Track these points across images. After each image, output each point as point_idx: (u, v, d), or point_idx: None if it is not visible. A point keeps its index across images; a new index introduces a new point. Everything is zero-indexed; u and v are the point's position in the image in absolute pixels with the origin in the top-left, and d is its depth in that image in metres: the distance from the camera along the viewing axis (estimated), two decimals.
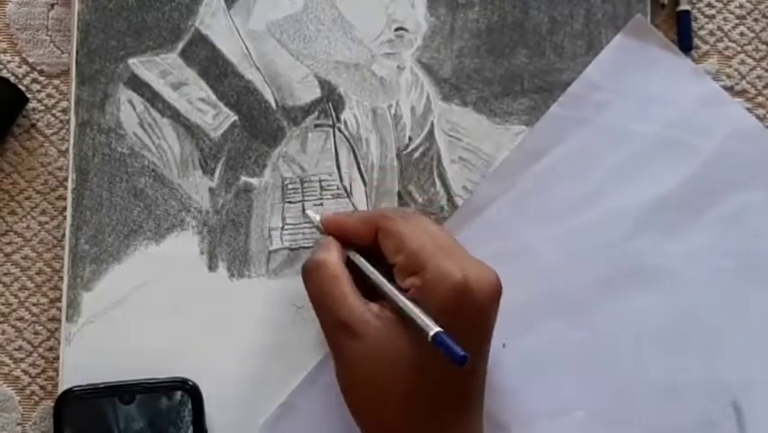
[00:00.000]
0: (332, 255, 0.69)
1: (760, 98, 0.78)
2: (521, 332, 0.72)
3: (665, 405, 0.73)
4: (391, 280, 0.67)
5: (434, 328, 0.62)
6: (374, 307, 0.66)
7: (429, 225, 0.69)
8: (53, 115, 0.78)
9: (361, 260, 0.69)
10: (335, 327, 0.67)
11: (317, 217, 0.73)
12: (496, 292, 0.66)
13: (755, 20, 0.78)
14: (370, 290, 0.68)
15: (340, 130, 0.77)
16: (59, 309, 0.75)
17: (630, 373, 0.74)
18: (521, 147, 0.76)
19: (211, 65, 0.77)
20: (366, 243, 0.69)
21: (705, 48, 0.78)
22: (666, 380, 0.74)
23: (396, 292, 0.66)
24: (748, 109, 0.77)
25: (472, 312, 0.65)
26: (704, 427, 0.73)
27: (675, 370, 0.74)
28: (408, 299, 0.65)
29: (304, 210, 0.76)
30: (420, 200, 0.76)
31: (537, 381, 0.73)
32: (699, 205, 0.75)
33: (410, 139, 0.77)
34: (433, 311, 0.64)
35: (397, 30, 0.78)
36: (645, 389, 0.73)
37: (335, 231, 0.71)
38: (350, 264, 0.69)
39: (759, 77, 0.78)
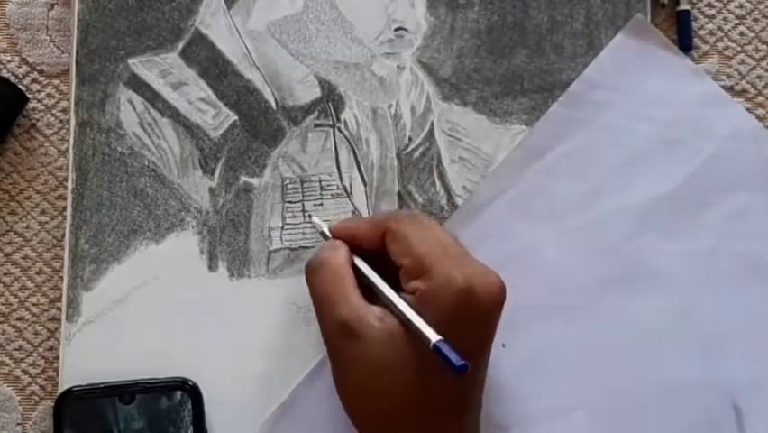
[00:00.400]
0: (338, 255, 0.69)
1: (760, 98, 0.78)
2: (521, 332, 0.72)
3: (665, 406, 0.73)
4: (397, 283, 0.67)
5: (434, 337, 0.62)
6: (377, 310, 0.66)
7: (437, 229, 0.69)
8: (53, 114, 0.78)
9: (364, 265, 0.69)
10: (335, 328, 0.67)
11: (324, 226, 0.73)
12: (499, 299, 0.66)
13: (755, 20, 0.78)
14: (375, 296, 0.67)
15: (340, 130, 0.77)
16: (59, 309, 0.75)
17: (630, 374, 0.74)
18: (521, 147, 0.76)
19: (211, 65, 0.77)
20: (374, 246, 0.69)
21: (705, 48, 0.78)
22: (666, 381, 0.73)
23: (398, 299, 0.66)
24: (748, 109, 0.77)
25: (475, 318, 0.65)
26: (704, 428, 0.73)
27: (675, 371, 0.74)
28: (411, 303, 0.65)
29: (309, 215, 0.75)
30: (420, 200, 0.76)
31: (537, 381, 0.73)
32: (699, 205, 0.75)
33: (410, 139, 0.77)
34: (435, 316, 0.64)
35: (396, 30, 0.78)
36: (645, 390, 0.73)
37: (344, 236, 0.70)
38: (355, 269, 0.69)
39: (759, 76, 0.78)
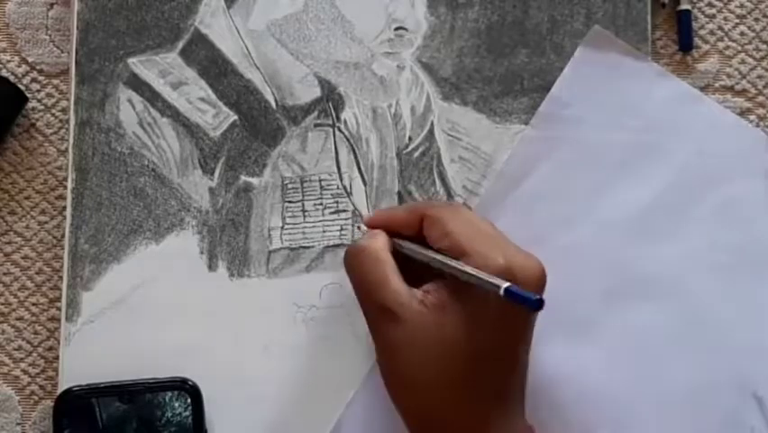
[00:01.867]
0: (377, 242, 0.69)
1: (760, 98, 0.78)
2: (532, 361, 0.71)
3: (687, 409, 0.73)
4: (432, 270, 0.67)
5: (503, 283, 0.62)
6: (418, 292, 0.66)
7: (473, 216, 0.70)
8: (53, 114, 0.78)
9: (410, 243, 0.69)
10: (377, 312, 0.67)
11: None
12: (540, 280, 0.66)
13: (756, 19, 0.78)
14: (414, 280, 0.67)
15: (340, 129, 0.77)
16: (59, 309, 0.75)
17: (646, 385, 0.73)
18: (500, 176, 0.76)
19: (211, 64, 0.77)
20: (411, 232, 0.69)
21: (705, 47, 0.78)
22: (684, 384, 0.73)
23: (455, 262, 0.65)
24: (749, 109, 0.77)
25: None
26: (729, 424, 0.73)
27: (691, 372, 0.73)
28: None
29: (358, 226, 0.75)
30: (420, 200, 0.76)
31: (554, 410, 0.73)
32: (686, 205, 0.75)
33: (410, 138, 0.77)
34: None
35: (397, 29, 0.78)
36: (665, 397, 0.73)
37: (381, 224, 0.71)
38: (395, 255, 0.69)
39: (759, 76, 0.78)
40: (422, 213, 0.69)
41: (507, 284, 0.62)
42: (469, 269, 0.64)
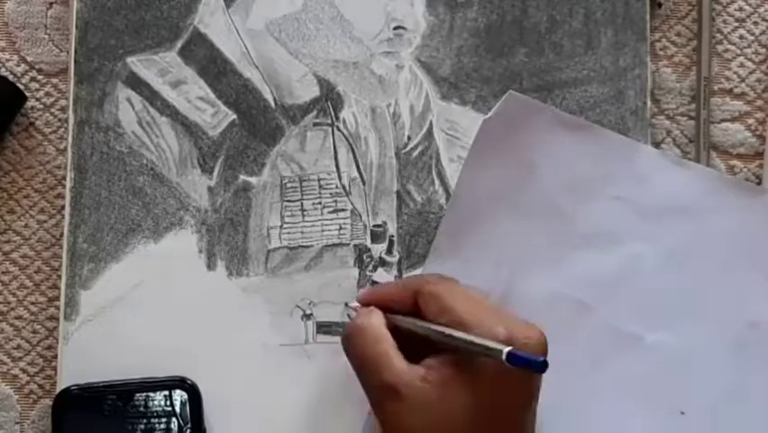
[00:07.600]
0: (374, 320, 0.68)
1: (759, 102, 0.78)
2: None
3: None
4: (426, 349, 0.66)
5: (505, 348, 0.61)
6: (420, 369, 0.65)
7: (469, 290, 0.69)
8: (52, 113, 0.78)
9: (407, 318, 0.68)
10: (380, 391, 0.66)
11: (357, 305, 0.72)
12: (542, 346, 0.65)
13: (755, 23, 0.78)
14: (412, 356, 0.66)
15: (339, 129, 0.77)
16: (58, 308, 0.75)
17: None
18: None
19: (210, 63, 0.77)
20: (405, 309, 0.68)
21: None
22: None
23: (456, 332, 0.65)
24: (747, 112, 0.77)
25: (518, 371, 0.63)
26: None
27: None
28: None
29: (346, 303, 0.74)
30: (419, 199, 0.76)
31: None
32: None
33: (409, 138, 0.77)
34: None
35: (395, 28, 0.78)
36: None
37: (375, 301, 0.70)
38: (392, 332, 0.68)
39: (758, 80, 0.78)
40: (416, 289, 0.68)
41: (509, 348, 0.61)
42: (471, 337, 0.63)
